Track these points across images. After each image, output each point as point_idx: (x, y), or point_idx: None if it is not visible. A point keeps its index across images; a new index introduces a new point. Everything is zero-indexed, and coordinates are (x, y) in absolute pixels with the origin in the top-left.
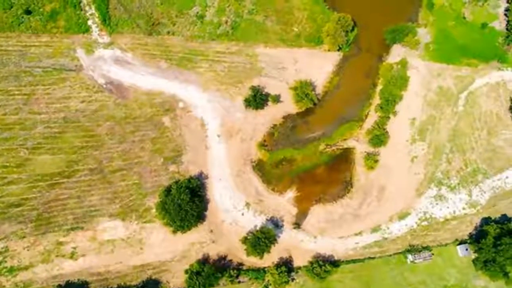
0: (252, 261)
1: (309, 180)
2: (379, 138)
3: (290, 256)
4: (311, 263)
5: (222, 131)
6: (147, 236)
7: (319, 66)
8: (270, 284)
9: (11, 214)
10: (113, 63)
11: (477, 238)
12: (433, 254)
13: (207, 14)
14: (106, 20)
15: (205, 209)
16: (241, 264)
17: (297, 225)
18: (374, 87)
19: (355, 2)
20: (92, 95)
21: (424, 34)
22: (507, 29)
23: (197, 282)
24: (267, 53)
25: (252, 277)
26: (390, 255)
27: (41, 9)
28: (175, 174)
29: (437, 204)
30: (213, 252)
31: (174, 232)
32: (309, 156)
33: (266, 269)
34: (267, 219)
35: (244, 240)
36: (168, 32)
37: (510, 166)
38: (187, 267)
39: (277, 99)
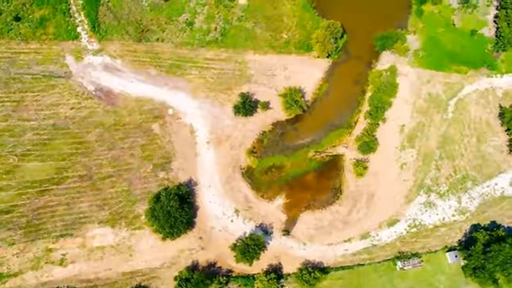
0: (242, 268)
1: (299, 187)
2: (368, 145)
3: (280, 263)
4: (301, 270)
5: (211, 138)
6: (136, 243)
7: (308, 73)
8: None
9: (0, 221)
10: (102, 70)
11: (466, 244)
12: (422, 261)
13: (196, 21)
14: (95, 27)
15: (195, 216)
16: (230, 271)
17: (287, 232)
18: (363, 94)
19: (345, 9)
20: (82, 102)
21: (413, 40)
22: (496, 36)
23: None
24: (256, 60)
25: (241, 284)
26: (380, 262)
27: (30, 16)
28: (164, 181)
29: (426, 211)
30: (203, 259)
31: (164, 239)
32: (299, 163)
33: (255, 276)
34: (256, 226)
35: (234, 247)
36: (158, 39)
37: (499, 173)
38: (176, 274)
39: (266, 106)
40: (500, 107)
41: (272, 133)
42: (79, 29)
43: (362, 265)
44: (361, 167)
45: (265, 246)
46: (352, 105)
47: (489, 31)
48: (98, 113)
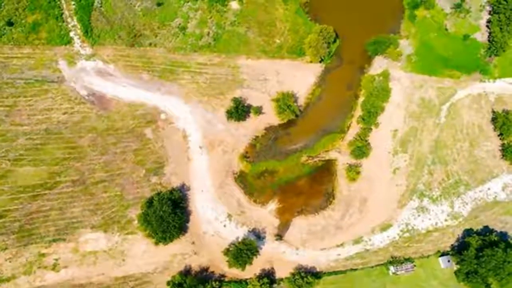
0: (234, 272)
1: (291, 192)
2: (361, 149)
3: (272, 268)
4: (293, 274)
5: (204, 143)
6: (129, 247)
7: (301, 77)
8: None
9: None
10: (95, 75)
11: (459, 249)
12: (415, 265)
13: (189, 25)
14: (88, 31)
15: (187, 220)
16: (223, 275)
17: (279, 236)
18: (356, 98)
19: (337, 14)
20: (74, 106)
21: (406, 45)
22: (489, 40)
23: None
24: (249, 65)
25: None
26: (372, 267)
27: (23, 21)
28: (157, 185)
29: (419, 215)
30: (195, 263)
31: (156, 243)
32: (291, 168)
33: (248, 280)
34: (249, 231)
35: (226, 252)
36: (150, 44)
37: (492, 178)
38: (169, 278)
39: (259, 110)
40: (493, 112)
41: (265, 138)
42: (71, 34)
43: (355, 269)
44: (353, 171)
45: (257, 251)
46: (345, 110)
47: (481, 36)
48: (91, 118)
